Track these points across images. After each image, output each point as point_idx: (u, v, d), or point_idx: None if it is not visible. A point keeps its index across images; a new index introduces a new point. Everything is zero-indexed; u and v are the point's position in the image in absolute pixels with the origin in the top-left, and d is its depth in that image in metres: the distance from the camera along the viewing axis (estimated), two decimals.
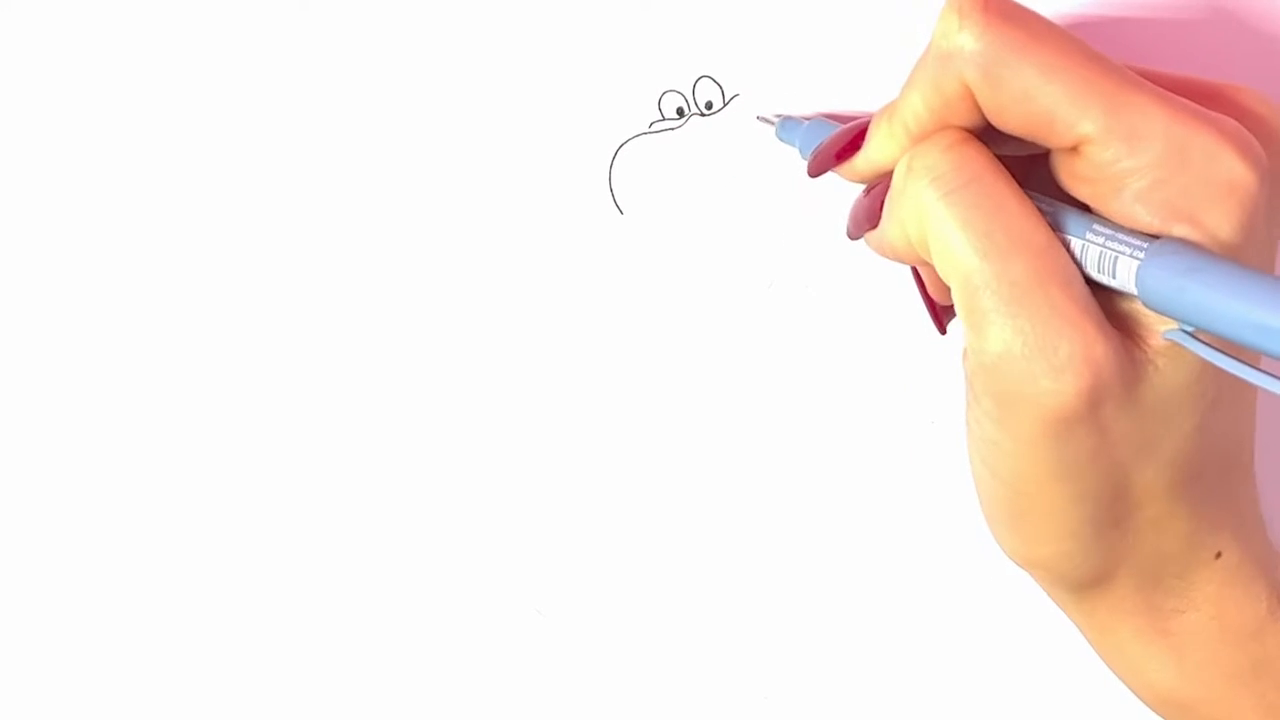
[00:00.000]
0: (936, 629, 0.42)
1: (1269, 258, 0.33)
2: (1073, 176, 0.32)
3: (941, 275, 0.32)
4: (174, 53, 0.39)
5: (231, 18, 0.39)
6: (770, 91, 0.39)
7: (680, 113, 0.39)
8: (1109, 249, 0.30)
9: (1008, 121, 0.31)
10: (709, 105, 0.39)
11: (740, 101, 0.39)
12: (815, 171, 0.35)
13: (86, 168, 0.39)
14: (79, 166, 0.39)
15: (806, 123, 0.37)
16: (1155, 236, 0.30)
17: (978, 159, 0.32)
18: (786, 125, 0.38)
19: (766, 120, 0.38)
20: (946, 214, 0.31)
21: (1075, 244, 0.31)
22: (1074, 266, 0.31)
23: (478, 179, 0.39)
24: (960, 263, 0.31)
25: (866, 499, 0.41)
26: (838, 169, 0.35)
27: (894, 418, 0.40)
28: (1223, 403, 0.32)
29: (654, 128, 0.39)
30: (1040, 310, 0.30)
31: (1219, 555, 0.34)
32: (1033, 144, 0.32)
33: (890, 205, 0.33)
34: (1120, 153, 0.30)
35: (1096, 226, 0.31)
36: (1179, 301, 0.29)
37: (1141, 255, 0.30)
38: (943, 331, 0.37)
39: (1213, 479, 0.33)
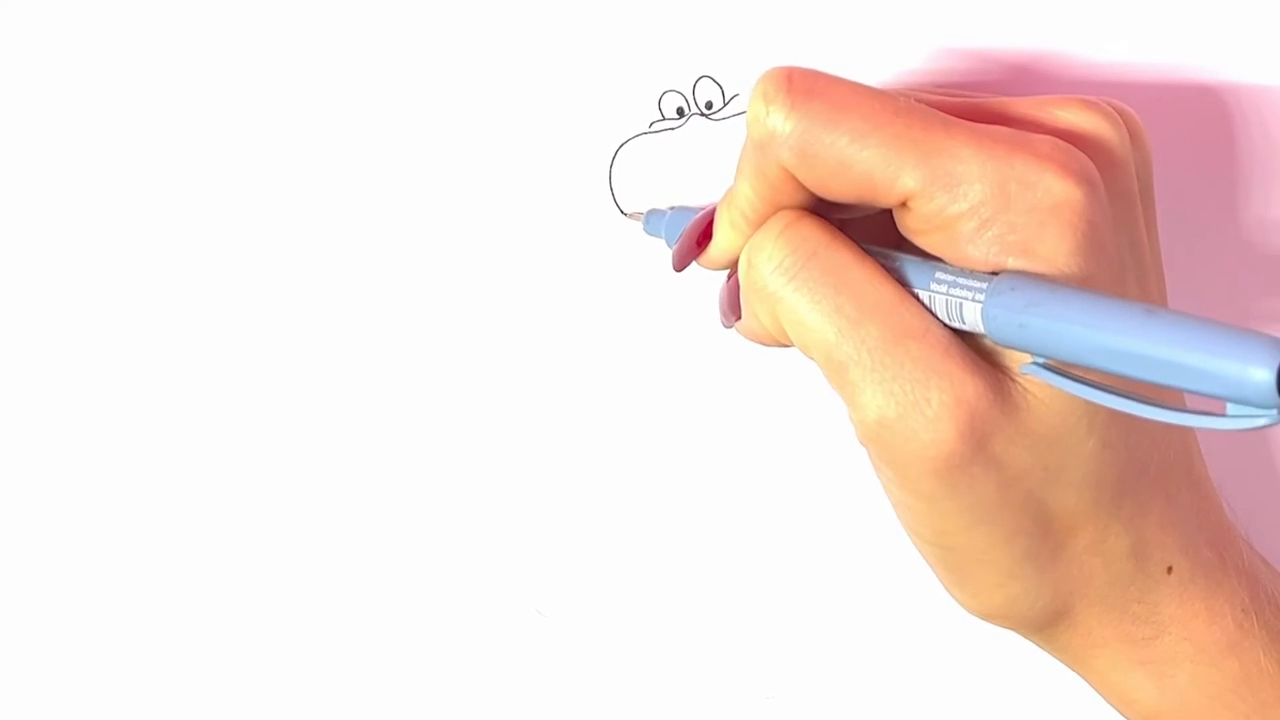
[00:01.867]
0: (940, 629, 0.42)
1: (1138, 271, 0.32)
2: (910, 231, 0.31)
3: (804, 354, 0.32)
4: (174, 53, 0.39)
5: (231, 18, 0.39)
6: None
7: (680, 113, 0.39)
8: (953, 295, 0.30)
9: (832, 193, 0.31)
10: (709, 105, 0.39)
11: (740, 101, 0.39)
12: (679, 265, 0.35)
13: (87, 168, 0.39)
14: (79, 166, 0.39)
15: (669, 213, 0.37)
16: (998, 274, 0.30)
17: (811, 236, 0.32)
18: (652, 218, 0.38)
19: (633, 216, 0.39)
20: (794, 298, 0.31)
21: (925, 296, 0.31)
22: (929, 316, 0.31)
23: (478, 179, 0.39)
24: (817, 341, 0.31)
25: (868, 498, 0.41)
26: (697, 260, 0.35)
27: None
28: (1128, 417, 0.32)
29: (654, 128, 0.39)
30: (903, 368, 0.30)
31: (1170, 570, 0.33)
32: (867, 207, 0.32)
33: (743, 299, 0.33)
34: (944, 201, 0.30)
35: (939, 275, 0.31)
36: (1023, 338, 0.29)
37: (981, 298, 0.30)
38: None
39: (1143, 492, 0.33)
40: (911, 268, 0.31)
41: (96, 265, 0.40)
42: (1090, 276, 0.30)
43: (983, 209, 0.30)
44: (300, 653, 0.42)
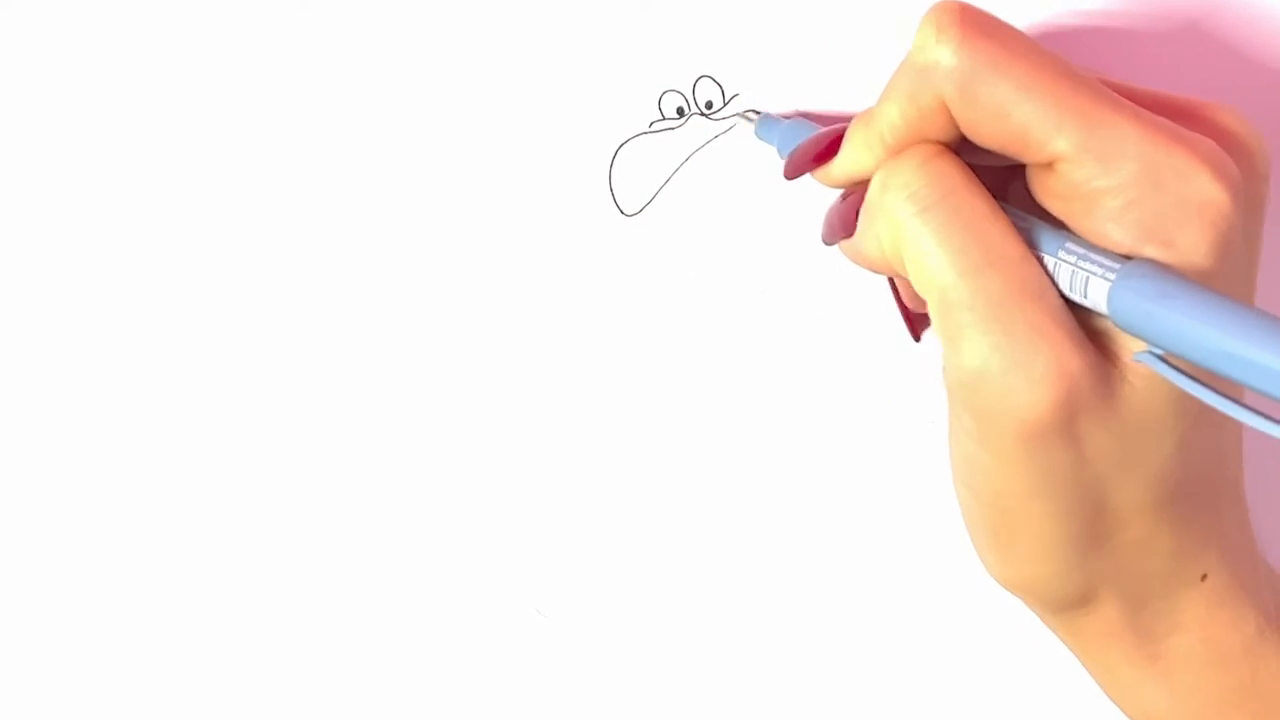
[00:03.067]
0: (940, 630, 0.42)
1: (1247, 277, 0.33)
2: (1047, 192, 0.31)
3: (917, 290, 0.32)
4: (174, 53, 0.39)
5: (231, 18, 0.39)
6: (770, 91, 0.39)
7: (680, 113, 0.39)
8: (1081, 268, 0.30)
9: (983, 136, 0.31)
10: (709, 105, 0.39)
11: (740, 101, 0.39)
12: (791, 174, 0.35)
13: (87, 168, 0.39)
14: (79, 167, 0.39)
15: (786, 122, 0.37)
16: (1128, 256, 0.30)
17: (952, 174, 0.31)
18: (765, 123, 0.38)
19: (748, 117, 0.38)
20: (921, 230, 0.31)
21: (1049, 261, 0.31)
22: (1048, 280, 0.31)
23: (478, 179, 0.39)
24: (935, 278, 0.31)
25: (868, 499, 0.41)
26: (813, 173, 0.35)
27: (895, 417, 0.40)
28: (1206, 422, 0.32)
29: (654, 128, 0.39)
30: (1015, 325, 0.30)
31: (1205, 577, 0.34)
32: (1009, 157, 0.32)
33: (865, 218, 0.33)
34: (1094, 172, 0.30)
35: (1070, 245, 0.31)
36: (1148, 326, 0.29)
37: (1113, 277, 0.30)
38: (917, 339, 0.37)
39: (1197, 499, 0.33)
40: (1042, 233, 0.31)
41: (97, 265, 0.40)
42: (1216, 277, 0.30)
43: (1131, 189, 0.30)
44: (300, 653, 0.42)
